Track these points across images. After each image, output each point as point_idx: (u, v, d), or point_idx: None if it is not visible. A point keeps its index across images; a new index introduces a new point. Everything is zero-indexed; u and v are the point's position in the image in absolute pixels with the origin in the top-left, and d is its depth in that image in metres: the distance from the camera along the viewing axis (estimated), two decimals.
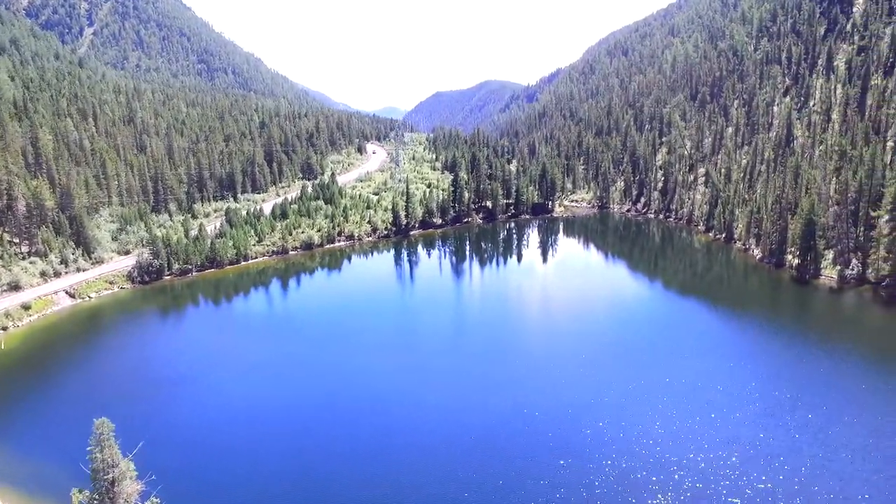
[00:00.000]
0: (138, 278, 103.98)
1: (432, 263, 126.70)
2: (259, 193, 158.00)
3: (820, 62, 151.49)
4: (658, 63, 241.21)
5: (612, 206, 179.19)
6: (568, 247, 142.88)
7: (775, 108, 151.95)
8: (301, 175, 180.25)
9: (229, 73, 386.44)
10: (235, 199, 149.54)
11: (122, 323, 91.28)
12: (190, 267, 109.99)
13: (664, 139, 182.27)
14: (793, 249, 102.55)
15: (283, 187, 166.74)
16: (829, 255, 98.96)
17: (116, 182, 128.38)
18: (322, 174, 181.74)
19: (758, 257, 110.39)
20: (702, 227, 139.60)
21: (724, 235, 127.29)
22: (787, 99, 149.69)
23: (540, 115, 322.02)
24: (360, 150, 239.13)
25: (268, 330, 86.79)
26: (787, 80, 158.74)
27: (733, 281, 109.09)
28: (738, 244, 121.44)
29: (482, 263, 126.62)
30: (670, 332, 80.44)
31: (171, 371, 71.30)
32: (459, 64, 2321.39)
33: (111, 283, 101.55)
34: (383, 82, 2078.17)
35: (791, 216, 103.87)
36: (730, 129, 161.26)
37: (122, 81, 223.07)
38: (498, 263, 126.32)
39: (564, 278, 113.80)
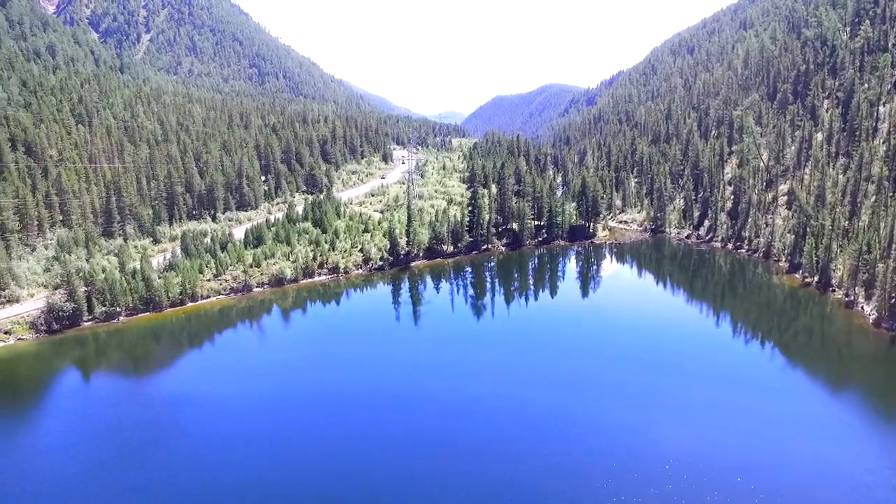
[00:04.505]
0: (44, 326, 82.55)
1: (429, 307, 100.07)
2: (247, 211, 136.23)
3: None
4: (728, 59, 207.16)
5: (668, 229, 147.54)
6: (610, 293, 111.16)
7: (882, 109, 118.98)
8: (305, 189, 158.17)
9: (280, 77, 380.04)
10: (215, 218, 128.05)
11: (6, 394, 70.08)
12: (118, 310, 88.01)
13: (734, 148, 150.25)
14: None
15: (278, 203, 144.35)
16: None
17: (68, 199, 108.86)
18: (331, 187, 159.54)
19: (871, 318, 78.73)
20: (784, 265, 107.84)
21: (816, 279, 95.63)
22: None
23: (595, 119, 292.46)
24: (386, 158, 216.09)
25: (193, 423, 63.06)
26: None
27: (837, 359, 77.87)
28: (839, 294, 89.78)
29: (507, 302, 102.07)
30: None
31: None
32: (521, 67, 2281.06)
33: (7, 332, 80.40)
34: (445, 86, 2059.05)
35: None
36: (819, 136, 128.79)
37: (147, 86, 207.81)
38: (523, 303, 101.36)
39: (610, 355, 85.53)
